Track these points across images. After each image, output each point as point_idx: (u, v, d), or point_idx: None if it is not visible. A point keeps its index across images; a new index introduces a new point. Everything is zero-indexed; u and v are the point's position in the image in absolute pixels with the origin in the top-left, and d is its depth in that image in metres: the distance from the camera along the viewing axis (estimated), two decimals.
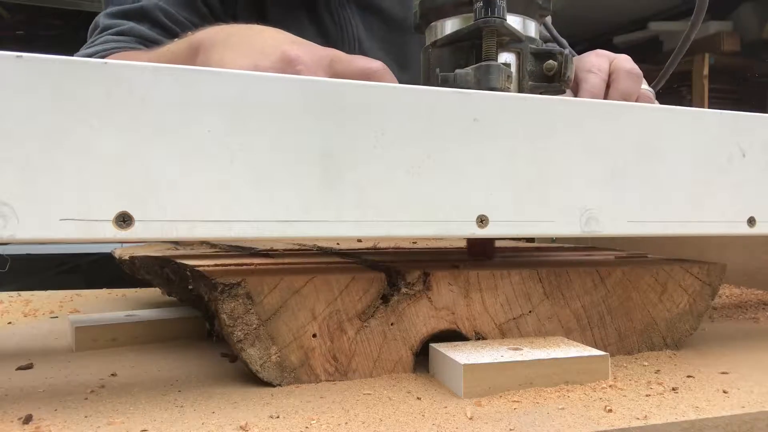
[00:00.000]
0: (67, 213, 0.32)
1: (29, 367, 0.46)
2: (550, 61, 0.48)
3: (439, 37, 0.49)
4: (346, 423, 0.34)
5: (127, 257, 0.76)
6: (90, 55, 0.73)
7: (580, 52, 0.62)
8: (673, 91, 2.84)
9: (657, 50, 3.00)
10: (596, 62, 0.60)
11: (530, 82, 0.49)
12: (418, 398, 0.38)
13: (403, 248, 0.70)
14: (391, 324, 0.43)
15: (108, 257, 0.92)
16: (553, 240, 0.90)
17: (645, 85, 0.60)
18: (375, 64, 0.46)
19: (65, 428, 0.33)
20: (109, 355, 0.49)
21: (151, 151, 0.33)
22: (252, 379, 0.41)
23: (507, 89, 0.44)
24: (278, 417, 0.35)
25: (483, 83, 0.43)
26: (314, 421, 0.34)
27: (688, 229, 0.45)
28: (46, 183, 0.31)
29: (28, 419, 0.34)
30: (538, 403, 0.37)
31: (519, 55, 0.48)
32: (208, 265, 0.47)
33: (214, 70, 0.35)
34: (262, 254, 0.61)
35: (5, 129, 0.31)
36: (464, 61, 0.47)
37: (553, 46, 0.52)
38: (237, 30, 0.51)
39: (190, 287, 0.47)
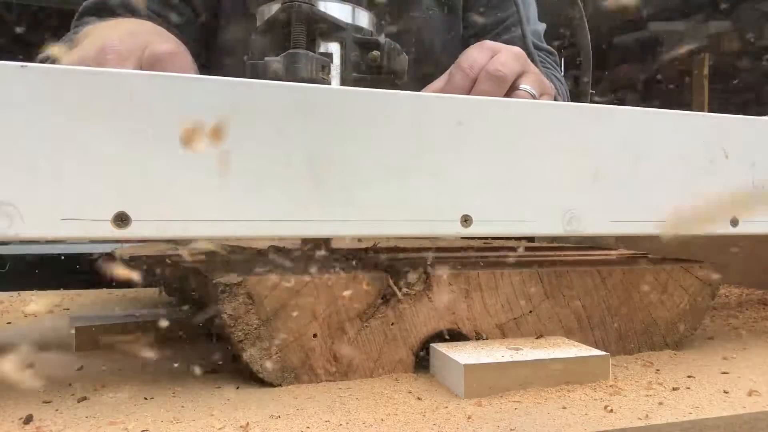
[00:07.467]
0: (68, 213, 0.33)
1: (29, 367, 0.46)
2: (374, 52, 0.45)
3: (260, 23, 0.46)
4: (347, 423, 0.34)
5: (126, 257, 0.76)
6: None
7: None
8: (674, 91, 2.84)
9: (657, 50, 2.99)
10: (472, 57, 0.54)
11: (354, 74, 0.45)
12: (418, 398, 0.38)
13: (403, 248, 0.70)
14: (392, 324, 0.43)
15: (108, 257, 0.92)
16: (552, 240, 0.90)
17: (528, 86, 0.53)
18: (164, 47, 0.44)
19: (65, 428, 0.33)
20: (109, 355, 0.49)
21: (148, 154, 0.34)
22: (252, 379, 0.40)
23: (323, 80, 0.42)
24: (279, 417, 0.35)
25: (290, 73, 0.41)
26: (315, 421, 0.34)
27: (670, 228, 0.46)
28: (49, 185, 0.32)
29: (28, 419, 0.34)
30: (538, 403, 0.37)
31: (342, 45, 0.45)
32: (207, 265, 0.47)
33: (209, 78, 0.36)
34: (263, 254, 0.61)
35: (11, 134, 0.32)
36: (282, 49, 0.44)
37: (380, 37, 0.47)
38: (102, 24, 0.51)
39: (190, 287, 0.47)
